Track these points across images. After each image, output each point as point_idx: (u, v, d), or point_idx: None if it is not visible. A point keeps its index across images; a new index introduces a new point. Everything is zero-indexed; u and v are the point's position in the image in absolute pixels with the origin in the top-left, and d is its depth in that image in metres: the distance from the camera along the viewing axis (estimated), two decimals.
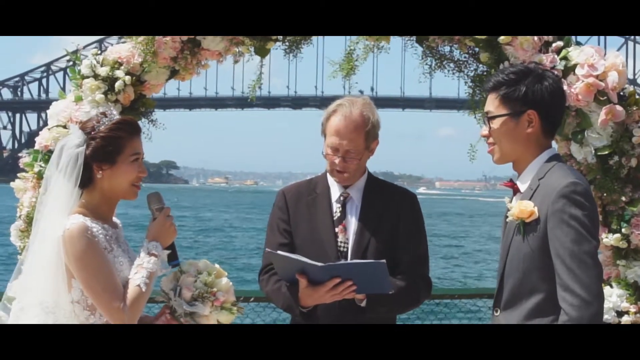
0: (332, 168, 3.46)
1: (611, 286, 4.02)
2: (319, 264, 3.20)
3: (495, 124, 2.98)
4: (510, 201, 3.02)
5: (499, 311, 2.97)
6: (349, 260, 3.36)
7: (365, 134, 3.42)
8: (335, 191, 3.52)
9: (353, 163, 3.42)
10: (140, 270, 2.99)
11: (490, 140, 3.02)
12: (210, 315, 3.18)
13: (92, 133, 3.05)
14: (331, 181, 3.54)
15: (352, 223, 3.47)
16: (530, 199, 2.89)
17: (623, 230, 3.98)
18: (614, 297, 3.97)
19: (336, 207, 3.49)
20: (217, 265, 3.29)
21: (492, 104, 3.00)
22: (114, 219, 3.20)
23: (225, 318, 3.21)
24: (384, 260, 3.18)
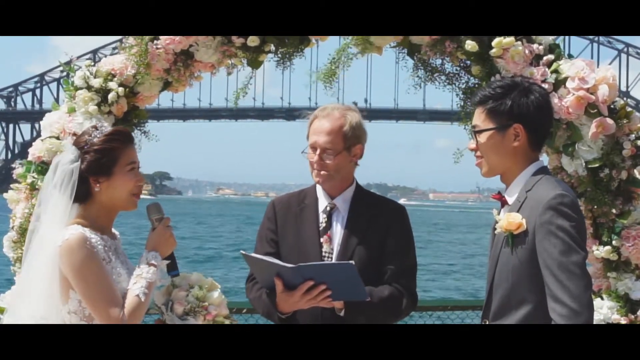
0: (312, 168, 3.49)
1: (602, 298, 4.04)
2: (290, 265, 3.21)
3: (482, 137, 3.00)
4: (499, 213, 3.04)
5: (487, 322, 2.99)
6: (317, 262, 3.35)
7: (343, 134, 3.44)
8: (323, 202, 3.54)
9: (330, 161, 3.43)
10: (139, 281, 2.99)
11: (478, 153, 3.04)
12: None
13: (86, 147, 3.05)
14: (320, 192, 3.56)
15: (338, 233, 3.48)
16: (518, 211, 2.90)
17: (614, 242, 4.01)
18: (604, 309, 3.98)
19: (322, 217, 3.51)
20: (209, 279, 3.28)
21: (479, 117, 3.02)
22: (113, 230, 3.20)
23: None
24: (352, 262, 3.20)
